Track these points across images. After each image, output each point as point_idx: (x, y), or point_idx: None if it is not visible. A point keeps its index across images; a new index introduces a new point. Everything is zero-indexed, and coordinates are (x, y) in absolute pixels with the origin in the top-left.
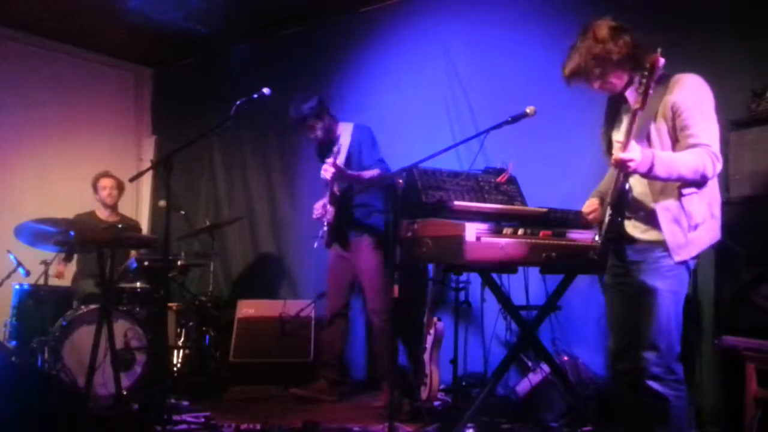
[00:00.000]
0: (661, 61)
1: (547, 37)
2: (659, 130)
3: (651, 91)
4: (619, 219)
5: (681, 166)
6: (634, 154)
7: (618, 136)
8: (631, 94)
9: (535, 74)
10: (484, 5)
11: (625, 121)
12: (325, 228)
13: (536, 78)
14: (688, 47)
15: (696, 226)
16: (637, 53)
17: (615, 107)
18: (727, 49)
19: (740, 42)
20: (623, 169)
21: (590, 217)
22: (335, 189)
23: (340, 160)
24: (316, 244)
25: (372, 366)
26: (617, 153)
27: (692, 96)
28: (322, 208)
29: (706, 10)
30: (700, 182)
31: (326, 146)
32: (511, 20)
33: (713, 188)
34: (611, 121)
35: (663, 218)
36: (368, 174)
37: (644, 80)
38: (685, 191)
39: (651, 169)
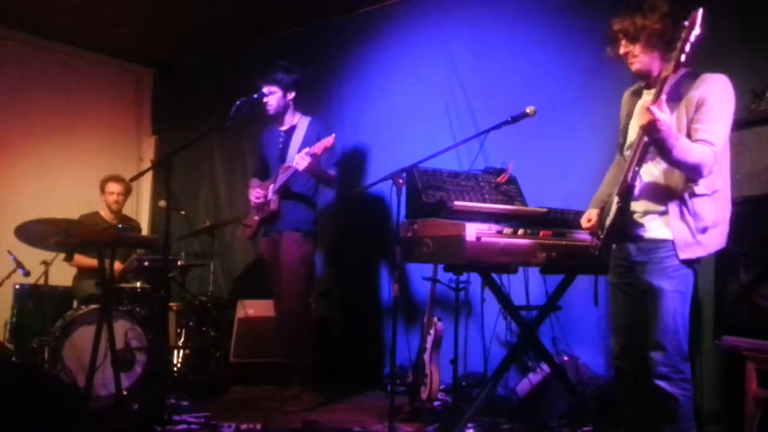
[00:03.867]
0: (699, 17)
1: (547, 38)
2: (679, 127)
3: (685, 53)
4: (626, 208)
5: (695, 154)
6: (667, 116)
7: (633, 129)
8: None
9: (535, 74)
10: (484, 6)
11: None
12: (260, 216)
13: (536, 78)
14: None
15: (705, 229)
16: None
17: (632, 101)
18: (727, 49)
19: (740, 42)
20: (651, 131)
21: (590, 231)
22: (287, 180)
23: (291, 154)
24: (241, 233)
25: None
26: (654, 112)
27: (716, 95)
28: (263, 194)
29: (706, 10)
30: (694, 177)
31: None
32: (511, 20)
33: (725, 194)
34: (629, 115)
35: (672, 215)
36: (331, 172)
37: (683, 35)
38: (697, 191)
39: (673, 147)
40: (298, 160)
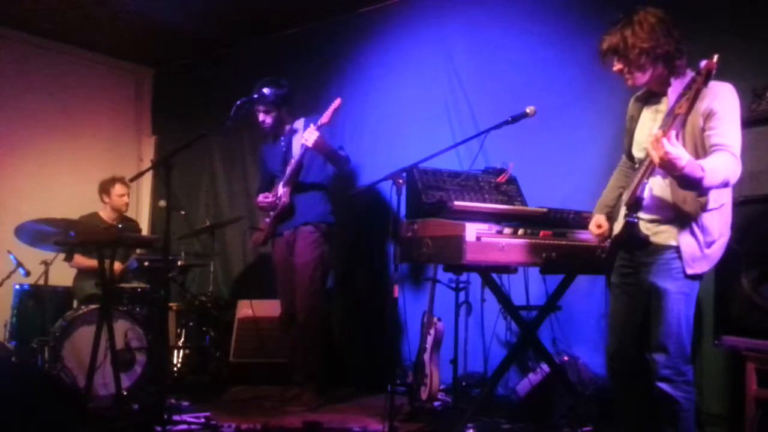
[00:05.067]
0: (716, 66)
1: (547, 37)
2: (684, 139)
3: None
4: (635, 220)
5: (722, 172)
6: (680, 150)
7: (641, 135)
8: (672, 95)
9: (536, 74)
10: (485, 5)
11: (658, 120)
12: (272, 216)
13: (536, 78)
14: (688, 47)
15: (711, 243)
16: (673, 54)
17: (637, 106)
18: (727, 49)
19: (740, 42)
20: (672, 168)
21: (599, 238)
22: (295, 170)
23: (295, 152)
24: (252, 240)
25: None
26: (665, 145)
27: (726, 105)
28: (273, 195)
29: (706, 9)
30: (723, 188)
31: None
32: (512, 20)
33: (729, 206)
34: (633, 120)
35: (681, 230)
36: (342, 152)
37: (695, 85)
38: (708, 206)
39: (702, 178)
40: (307, 135)
